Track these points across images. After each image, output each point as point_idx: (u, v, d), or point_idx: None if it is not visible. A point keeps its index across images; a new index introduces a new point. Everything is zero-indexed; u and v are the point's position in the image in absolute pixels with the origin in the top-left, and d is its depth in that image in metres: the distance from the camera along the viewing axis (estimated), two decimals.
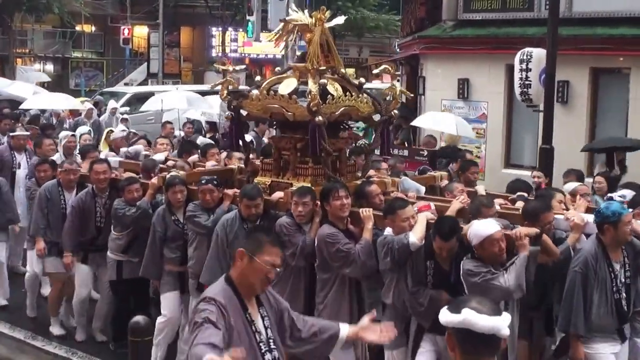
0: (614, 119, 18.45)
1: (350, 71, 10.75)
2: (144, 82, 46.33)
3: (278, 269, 5.36)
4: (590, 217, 8.15)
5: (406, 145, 19.28)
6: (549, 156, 15.39)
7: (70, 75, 50.13)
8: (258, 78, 10.05)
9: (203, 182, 9.71)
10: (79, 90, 42.66)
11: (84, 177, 11.36)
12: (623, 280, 7.83)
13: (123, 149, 13.61)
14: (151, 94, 25.56)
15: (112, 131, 16.97)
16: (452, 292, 7.53)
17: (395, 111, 9.91)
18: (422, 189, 10.08)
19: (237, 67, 10.58)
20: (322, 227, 8.52)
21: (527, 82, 17.27)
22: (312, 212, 8.75)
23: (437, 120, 18.03)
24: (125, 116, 22.68)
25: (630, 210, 8.28)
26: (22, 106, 22.96)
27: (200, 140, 15.92)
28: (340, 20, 9.84)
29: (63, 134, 15.32)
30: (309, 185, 9.11)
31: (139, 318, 8.30)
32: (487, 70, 20.21)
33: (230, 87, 9.86)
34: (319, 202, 8.73)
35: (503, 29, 20.07)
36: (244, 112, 9.96)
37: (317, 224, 8.69)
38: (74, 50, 50.94)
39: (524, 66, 17.37)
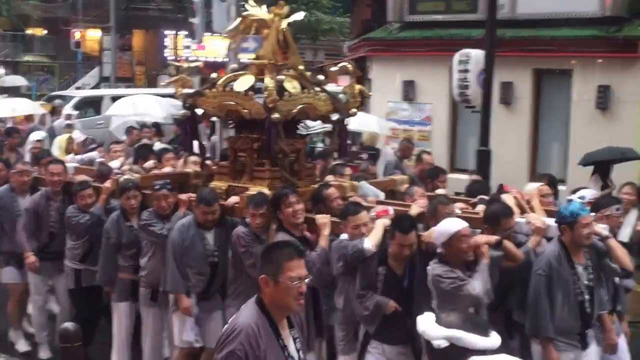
0: (556, 120, 17.99)
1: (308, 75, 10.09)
2: (96, 86, 44.56)
3: (307, 279, 4.93)
4: (551, 221, 7.69)
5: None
6: (486, 158, 14.88)
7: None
8: (214, 75, 9.41)
9: (157, 187, 8.95)
10: (30, 95, 40.83)
11: (37, 181, 10.51)
12: (586, 282, 7.39)
13: (77, 156, 12.78)
14: (100, 97, 24.51)
15: (72, 138, 16.03)
16: (404, 297, 7.15)
17: (354, 110, 9.30)
18: (381, 194, 9.42)
19: (192, 64, 9.87)
20: (277, 236, 7.85)
21: (465, 83, 16.68)
22: (269, 220, 8.12)
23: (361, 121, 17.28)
24: (69, 122, 20.92)
25: (593, 213, 7.83)
26: None
27: (157, 145, 15.01)
28: (299, 16, 9.20)
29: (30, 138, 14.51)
30: (265, 189, 8.45)
31: (67, 324, 7.78)
32: (432, 72, 19.58)
33: (184, 85, 9.25)
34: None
35: (448, 31, 19.47)
36: (199, 111, 9.31)
37: (273, 231, 8.05)
38: (24, 54, 49.13)
39: (462, 67, 16.77)
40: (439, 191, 9.43)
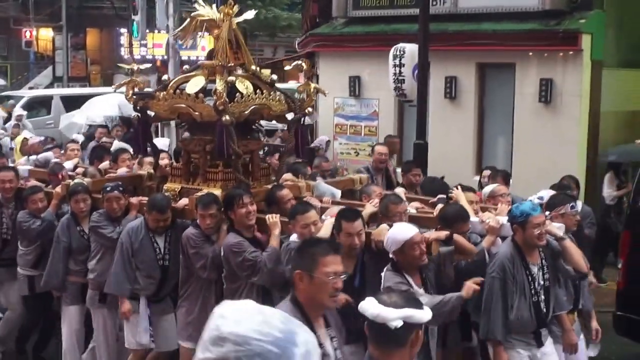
0: (500, 114, 17.38)
1: (267, 72, 9.33)
2: (49, 86, 41.99)
3: (343, 275, 4.74)
4: (505, 220, 7.27)
5: None
6: (422, 152, 14.13)
7: None
8: (165, 77, 8.79)
9: (108, 189, 8.38)
10: None
11: None
12: (542, 282, 7.05)
13: (32, 157, 11.93)
14: (50, 97, 23.30)
15: (27, 139, 15.12)
16: (356, 296, 6.44)
17: (310, 109, 8.72)
18: (338, 193, 8.87)
19: (142, 66, 9.17)
20: (228, 237, 7.41)
21: (400, 78, 16.10)
22: (219, 221, 7.62)
23: None
24: (19, 122, 19.41)
25: (547, 212, 7.47)
26: None
27: (116, 144, 14.13)
28: (249, 15, 8.64)
29: None
30: (218, 191, 7.93)
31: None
32: (377, 67, 18.68)
33: (135, 88, 8.61)
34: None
35: (391, 26, 18.77)
36: (151, 113, 8.71)
37: (224, 232, 7.57)
38: None
39: (397, 62, 16.19)
40: (397, 191, 8.84)
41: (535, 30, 16.36)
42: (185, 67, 9.17)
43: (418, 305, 3.86)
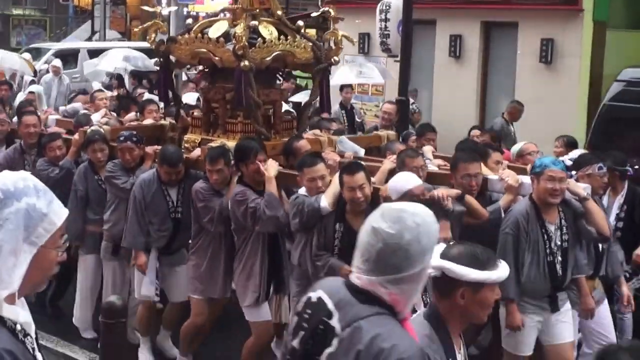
0: (503, 74, 15.82)
1: (312, 32, 7.80)
2: (88, 40, 36.70)
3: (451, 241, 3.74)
4: (525, 178, 6.05)
5: None
6: (404, 109, 12.28)
7: (12, 33, 40.56)
8: (189, 21, 7.41)
9: (121, 139, 7.10)
10: (20, 49, 36.17)
11: (14, 133, 8.41)
12: (559, 243, 5.81)
13: (61, 108, 10.45)
14: (77, 50, 21.38)
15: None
16: None
17: (336, 58, 7.32)
18: (362, 150, 7.48)
19: (166, 10, 7.77)
20: (236, 188, 6.26)
21: (386, 32, 14.52)
22: (228, 176, 6.43)
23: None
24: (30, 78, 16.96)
25: (573, 173, 6.28)
26: None
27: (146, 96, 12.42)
28: None
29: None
30: (232, 142, 6.68)
31: (113, 298, 6.02)
32: None
33: (158, 31, 7.29)
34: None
35: None
36: (173, 59, 7.37)
37: (234, 185, 6.38)
38: (14, 7, 41.77)
39: (383, 16, 14.63)
40: (425, 149, 7.43)
41: None
42: (189, 21, 7.76)
43: (473, 262, 3.06)
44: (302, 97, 12.18)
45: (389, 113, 10.54)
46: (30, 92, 12.06)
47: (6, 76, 16.49)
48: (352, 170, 5.70)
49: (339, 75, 13.99)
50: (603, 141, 8.71)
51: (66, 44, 26.21)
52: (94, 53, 20.25)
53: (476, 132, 9.52)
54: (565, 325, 5.92)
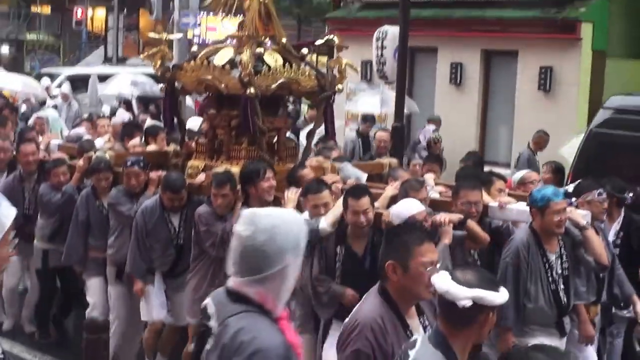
0: (503, 101, 15.59)
1: (323, 60, 7.58)
2: (103, 65, 33.82)
3: (438, 264, 3.69)
4: (524, 206, 5.87)
5: None
6: (399, 135, 12.11)
7: (26, 58, 39.68)
8: (194, 48, 7.22)
9: (128, 164, 6.88)
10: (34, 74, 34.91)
11: (16, 159, 8.13)
12: (560, 271, 5.68)
13: (65, 133, 10.16)
14: (87, 76, 20.96)
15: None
16: (366, 279, 5.11)
17: (340, 86, 7.09)
18: (364, 176, 7.23)
19: (172, 36, 7.56)
20: (242, 212, 5.76)
21: (382, 60, 14.37)
22: (233, 201, 6.22)
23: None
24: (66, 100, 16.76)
25: (572, 199, 6.00)
26: None
27: (148, 122, 12.06)
28: None
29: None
30: (236, 168, 6.46)
31: (95, 314, 6.11)
32: None
33: (164, 58, 7.09)
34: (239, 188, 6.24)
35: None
36: (178, 85, 7.17)
37: (238, 210, 6.09)
38: (29, 33, 40.98)
39: (379, 44, 14.46)
40: (427, 177, 7.15)
41: (537, 17, 14.58)
42: (194, 48, 7.57)
43: (492, 286, 3.15)
44: None
45: (383, 141, 10.27)
46: (38, 117, 11.77)
47: (19, 100, 16.30)
48: (357, 194, 5.53)
49: (363, 104, 13.72)
50: (588, 167, 8.60)
51: (77, 69, 25.87)
52: (104, 78, 19.99)
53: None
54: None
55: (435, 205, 6.06)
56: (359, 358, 3.64)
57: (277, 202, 6.15)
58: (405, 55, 12.60)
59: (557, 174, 8.51)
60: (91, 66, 27.17)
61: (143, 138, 8.49)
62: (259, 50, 6.59)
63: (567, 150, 10.62)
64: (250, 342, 2.82)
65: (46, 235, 7.56)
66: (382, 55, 14.36)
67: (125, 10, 37.28)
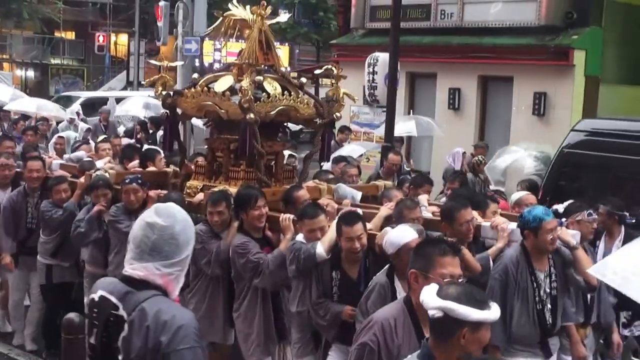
0: (500, 125, 15.28)
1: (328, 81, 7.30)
2: (123, 90, 33.43)
3: (460, 278, 3.58)
4: (514, 225, 5.63)
5: None
6: (388, 154, 11.60)
7: (50, 82, 38.46)
8: (195, 75, 6.96)
9: (127, 181, 6.68)
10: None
11: (20, 175, 7.88)
12: (548, 290, 5.40)
13: (65, 155, 9.78)
14: (105, 99, 20.52)
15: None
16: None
17: (338, 114, 6.85)
18: (358, 195, 6.96)
19: (174, 64, 7.27)
20: (235, 237, 5.85)
21: (373, 84, 14.06)
22: (228, 219, 5.99)
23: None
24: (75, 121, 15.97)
25: (563, 220, 5.83)
26: (7, 107, 16.80)
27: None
28: (283, 17, 6.90)
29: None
30: (234, 189, 6.25)
31: (72, 315, 5.60)
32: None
33: (165, 85, 6.84)
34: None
35: (403, 38, 16.53)
36: (179, 111, 6.94)
37: (234, 228, 5.94)
38: (53, 57, 40.09)
39: (371, 69, 14.13)
40: (421, 198, 6.84)
41: (531, 45, 14.29)
42: (194, 75, 7.25)
43: (472, 302, 2.97)
44: None
45: (395, 164, 9.88)
46: (59, 137, 11.50)
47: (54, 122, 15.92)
48: (350, 221, 5.24)
49: (401, 127, 13.44)
50: (557, 184, 8.77)
51: (94, 93, 25.53)
52: (121, 101, 19.67)
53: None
54: None
55: (428, 225, 5.79)
56: (364, 350, 3.60)
57: (274, 222, 5.94)
58: (394, 79, 12.42)
59: (531, 190, 8.30)
60: (111, 90, 26.74)
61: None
62: (259, 78, 6.36)
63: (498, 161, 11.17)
64: (172, 320, 3.05)
65: (49, 251, 7.32)
66: (373, 80, 14.10)
67: (147, 36, 36.79)
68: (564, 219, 5.90)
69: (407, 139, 14.95)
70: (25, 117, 15.65)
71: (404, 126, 13.73)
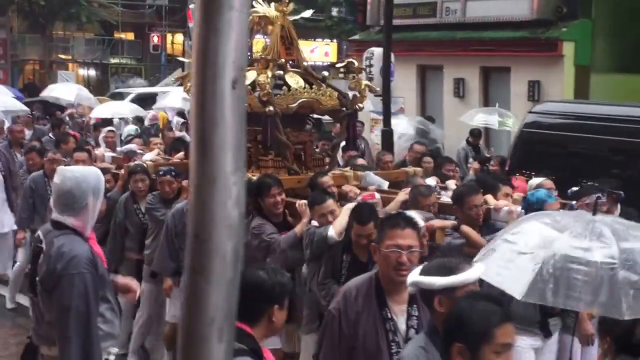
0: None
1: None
2: (179, 86, 34.32)
3: (416, 250, 3.13)
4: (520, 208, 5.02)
5: None
6: (388, 138, 11.41)
7: (110, 80, 35.99)
8: None
9: (161, 173, 5.97)
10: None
11: None
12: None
13: (119, 148, 8.95)
14: (155, 94, 19.22)
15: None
16: None
17: (361, 105, 5.97)
18: (385, 184, 6.09)
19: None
20: (254, 220, 5.11)
21: (370, 77, 13.01)
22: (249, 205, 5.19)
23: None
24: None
25: (573, 202, 5.29)
26: (92, 114, 15.24)
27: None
28: (307, 13, 6.17)
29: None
30: (254, 176, 5.51)
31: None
32: (403, 70, 15.10)
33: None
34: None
35: (413, 33, 15.41)
36: None
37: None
38: (112, 57, 37.87)
39: (367, 62, 13.26)
40: (449, 183, 6.14)
41: (525, 37, 13.22)
42: None
43: (443, 271, 2.69)
44: None
45: (419, 152, 8.98)
46: (110, 130, 10.66)
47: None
48: (363, 220, 4.39)
49: (479, 120, 12.52)
50: (519, 159, 8.47)
51: (145, 89, 24.14)
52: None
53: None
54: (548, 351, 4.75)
55: (444, 209, 5.16)
56: (329, 317, 3.38)
57: (292, 208, 5.21)
58: (388, 71, 11.89)
59: (501, 165, 8.41)
60: (167, 86, 25.61)
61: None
62: (280, 72, 5.57)
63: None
64: (68, 252, 3.34)
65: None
66: (370, 72, 13.26)
67: None
68: (574, 202, 5.32)
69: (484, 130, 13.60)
70: (105, 121, 14.02)
71: (485, 118, 12.71)
